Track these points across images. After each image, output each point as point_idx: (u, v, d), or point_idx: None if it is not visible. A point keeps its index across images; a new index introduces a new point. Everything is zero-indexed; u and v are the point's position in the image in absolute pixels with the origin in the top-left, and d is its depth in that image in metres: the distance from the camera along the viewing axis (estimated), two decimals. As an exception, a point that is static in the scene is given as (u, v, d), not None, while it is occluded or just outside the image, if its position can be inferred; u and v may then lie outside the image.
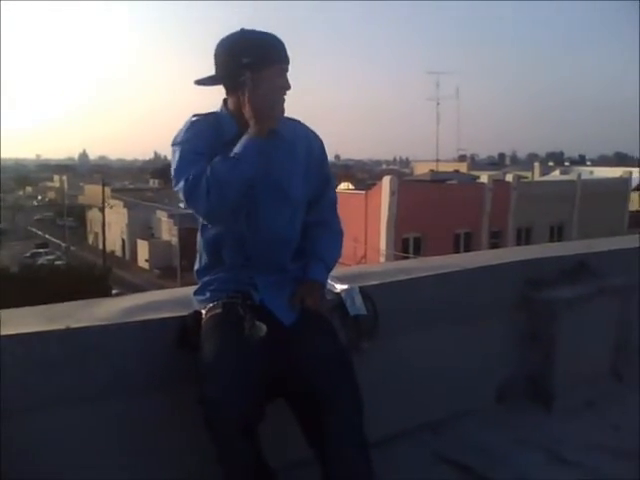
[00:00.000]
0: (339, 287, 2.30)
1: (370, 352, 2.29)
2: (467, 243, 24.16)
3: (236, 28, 1.97)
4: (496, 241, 24.76)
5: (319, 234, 2.18)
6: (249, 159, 1.87)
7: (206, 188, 1.83)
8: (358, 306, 2.25)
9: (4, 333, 1.91)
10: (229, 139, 1.96)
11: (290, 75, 2.01)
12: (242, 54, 1.91)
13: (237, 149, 1.88)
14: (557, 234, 26.79)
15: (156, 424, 2.12)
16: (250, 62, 1.90)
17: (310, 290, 2.07)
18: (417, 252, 22.36)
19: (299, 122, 2.15)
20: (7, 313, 2.21)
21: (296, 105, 2.03)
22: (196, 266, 2.17)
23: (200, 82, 2.01)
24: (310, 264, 2.13)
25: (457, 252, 21.67)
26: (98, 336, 2.01)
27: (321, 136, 2.19)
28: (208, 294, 2.07)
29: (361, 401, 1.93)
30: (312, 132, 2.17)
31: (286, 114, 2.05)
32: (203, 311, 2.03)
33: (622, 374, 3.31)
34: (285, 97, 1.99)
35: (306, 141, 2.12)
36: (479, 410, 2.88)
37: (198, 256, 2.16)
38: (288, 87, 1.98)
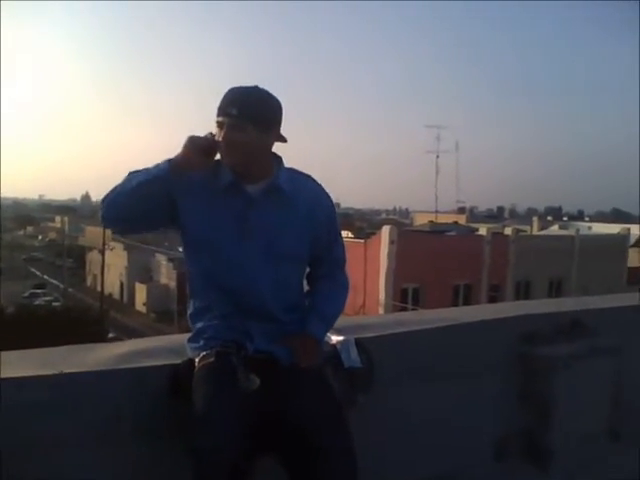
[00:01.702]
0: (334, 338, 2.29)
1: (364, 406, 2.26)
2: (466, 295, 24.12)
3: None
4: (495, 294, 24.72)
5: (321, 287, 2.19)
6: (143, 173, 1.94)
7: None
8: (353, 358, 2.24)
9: (-3, 376, 1.90)
10: (223, 185, 2.01)
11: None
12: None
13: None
14: (556, 289, 26.77)
15: (146, 472, 2.09)
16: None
17: (304, 344, 2.05)
18: (416, 303, 22.30)
19: (310, 178, 2.14)
20: (1, 355, 2.21)
21: (298, 152, 2.04)
22: (189, 310, 2.17)
23: None
24: (309, 317, 2.11)
25: (456, 304, 21.65)
26: (90, 382, 2.00)
27: (321, 184, 2.17)
28: (202, 342, 2.06)
29: (355, 458, 1.90)
30: (322, 190, 2.15)
31: (294, 165, 2.11)
32: (196, 359, 2.02)
33: (618, 434, 3.27)
34: (237, 150, 1.94)
35: (312, 198, 2.11)
36: (475, 467, 2.84)
37: (190, 300, 2.16)
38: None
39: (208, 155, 1.95)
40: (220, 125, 1.95)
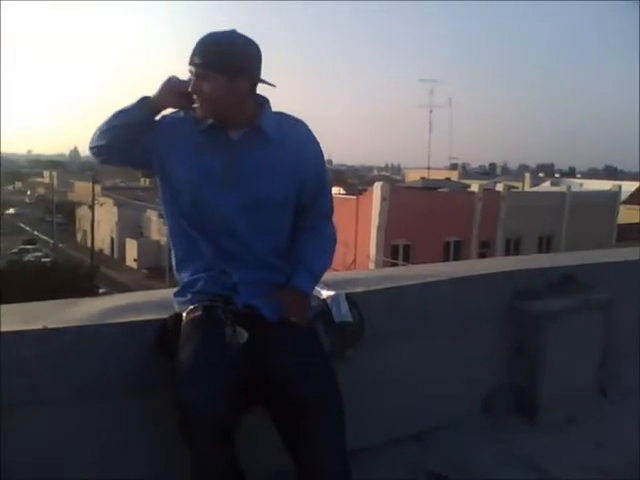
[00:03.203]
0: (325, 293, 2.25)
1: (355, 360, 2.25)
2: (456, 252, 24.22)
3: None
4: (485, 251, 24.84)
5: (307, 240, 2.11)
6: (124, 112, 1.97)
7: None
8: (344, 313, 2.20)
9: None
10: (204, 128, 1.98)
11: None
12: None
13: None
14: (546, 245, 26.91)
15: (132, 427, 2.08)
16: None
17: (292, 299, 2.01)
18: (407, 259, 22.38)
19: (300, 123, 2.07)
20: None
21: (290, 107, 1.98)
22: (173, 261, 2.12)
23: None
24: (295, 270, 2.06)
25: (446, 260, 21.72)
26: (74, 337, 1.96)
27: (312, 130, 2.09)
28: (189, 296, 2.02)
29: (342, 410, 1.90)
30: (312, 136, 2.08)
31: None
32: (184, 313, 1.99)
33: (607, 389, 3.29)
34: (207, 100, 1.91)
35: (300, 143, 2.03)
36: (464, 421, 2.85)
37: (172, 251, 2.11)
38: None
39: (184, 97, 1.95)
40: (191, 75, 1.92)
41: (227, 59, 1.88)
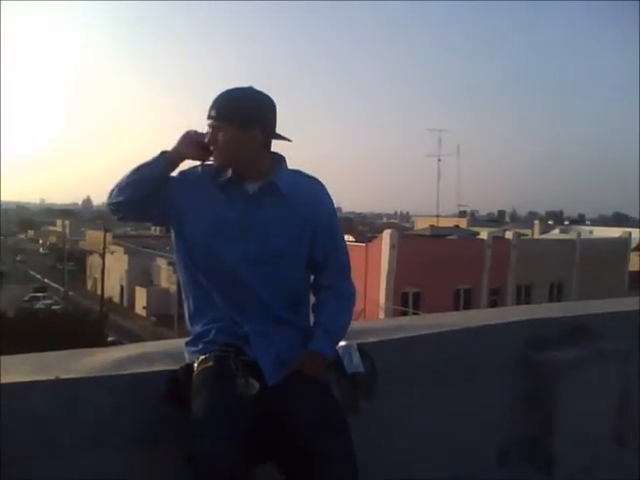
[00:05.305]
0: (336, 344, 2.25)
1: (367, 412, 2.22)
2: (467, 299, 24.07)
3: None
4: (495, 298, 24.68)
5: (325, 300, 2.14)
6: (146, 165, 2.02)
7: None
8: (356, 364, 2.19)
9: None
10: (221, 182, 2.04)
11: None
12: None
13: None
14: (557, 293, 26.71)
15: (143, 479, 2.05)
16: None
17: (309, 360, 2.01)
18: (417, 307, 22.25)
19: (314, 181, 2.13)
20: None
21: (299, 157, 2.04)
22: (186, 312, 2.14)
23: None
24: (314, 333, 2.08)
25: (457, 308, 21.63)
26: (87, 388, 1.97)
27: (325, 188, 2.14)
28: (201, 346, 2.03)
29: (355, 464, 1.87)
30: (324, 194, 2.12)
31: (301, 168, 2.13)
32: (195, 363, 1.99)
33: (624, 439, 3.23)
34: (221, 150, 1.99)
35: (311, 200, 2.08)
36: (479, 473, 2.79)
37: (185, 303, 2.14)
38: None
39: (203, 149, 2.02)
40: (209, 127, 2.01)
41: (240, 111, 1.97)
